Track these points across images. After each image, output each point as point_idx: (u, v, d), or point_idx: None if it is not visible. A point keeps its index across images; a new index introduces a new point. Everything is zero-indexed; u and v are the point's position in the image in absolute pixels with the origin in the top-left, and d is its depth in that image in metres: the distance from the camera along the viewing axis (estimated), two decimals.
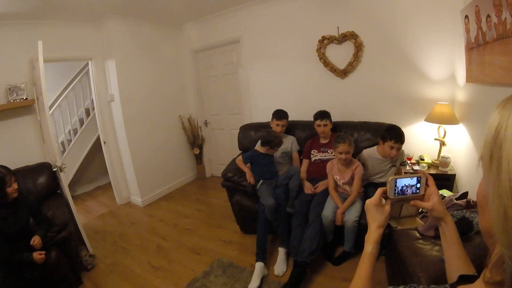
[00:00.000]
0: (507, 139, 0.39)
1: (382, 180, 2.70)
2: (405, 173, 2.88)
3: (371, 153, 2.70)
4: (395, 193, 0.85)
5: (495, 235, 0.41)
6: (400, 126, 2.93)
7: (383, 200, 0.87)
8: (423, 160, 3.04)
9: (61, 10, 3.23)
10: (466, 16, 2.22)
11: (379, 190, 0.87)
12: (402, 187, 0.85)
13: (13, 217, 2.25)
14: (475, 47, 2.15)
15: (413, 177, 0.85)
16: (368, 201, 0.88)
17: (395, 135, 2.46)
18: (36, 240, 2.23)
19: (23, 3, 2.82)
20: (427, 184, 0.86)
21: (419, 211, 0.95)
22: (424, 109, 3.06)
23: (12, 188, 2.25)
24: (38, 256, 2.16)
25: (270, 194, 2.74)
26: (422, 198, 0.86)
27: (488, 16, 1.81)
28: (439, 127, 2.91)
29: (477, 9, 1.99)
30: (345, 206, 2.49)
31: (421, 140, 3.21)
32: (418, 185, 0.85)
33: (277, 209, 2.68)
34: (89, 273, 2.80)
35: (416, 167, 2.94)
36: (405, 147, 3.12)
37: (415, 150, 3.20)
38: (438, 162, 2.92)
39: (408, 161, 3.06)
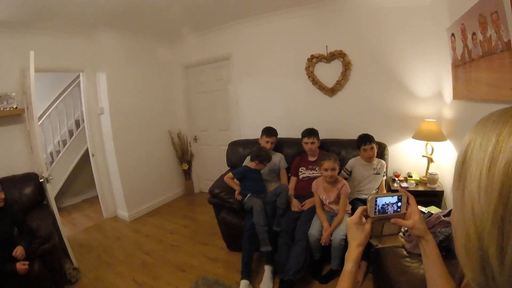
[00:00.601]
0: (472, 161, 0.40)
1: (367, 194, 2.75)
2: (392, 190, 2.91)
3: (356, 160, 2.93)
4: (375, 212, 0.85)
5: (459, 258, 0.41)
6: (387, 144, 3.02)
7: (364, 219, 0.87)
8: (411, 177, 3.06)
9: (53, 20, 3.24)
10: (453, 34, 2.28)
11: (360, 209, 0.87)
12: (383, 205, 0.85)
13: None
14: (461, 65, 2.21)
15: (394, 195, 0.86)
16: (348, 220, 0.88)
17: (363, 139, 2.81)
18: (18, 250, 2.18)
19: (15, 11, 2.83)
20: (408, 203, 0.86)
21: (401, 229, 0.95)
22: (411, 126, 3.11)
23: None
24: (21, 266, 2.12)
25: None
26: (403, 216, 0.86)
27: (474, 33, 1.86)
28: (426, 144, 2.95)
29: (463, 27, 2.04)
30: (333, 227, 2.47)
31: (409, 157, 3.25)
32: (399, 204, 0.86)
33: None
34: (72, 286, 2.74)
35: (404, 184, 2.95)
36: (393, 164, 3.19)
37: (403, 167, 3.23)
38: (426, 179, 2.94)
39: (396, 178, 3.08)
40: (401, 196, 0.85)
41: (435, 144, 2.91)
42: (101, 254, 3.34)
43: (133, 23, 3.76)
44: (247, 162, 3.12)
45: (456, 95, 2.49)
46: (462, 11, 1.99)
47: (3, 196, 2.28)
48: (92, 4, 2.99)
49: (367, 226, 0.86)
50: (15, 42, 3.22)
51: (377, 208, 0.85)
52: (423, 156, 2.99)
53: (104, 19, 3.50)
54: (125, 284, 2.75)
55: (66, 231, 3.80)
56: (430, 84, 3.03)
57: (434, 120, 2.88)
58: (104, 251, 3.39)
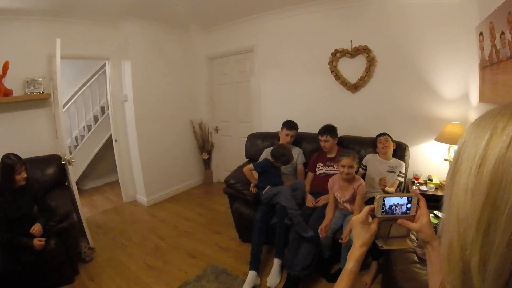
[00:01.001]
0: (464, 159, 0.38)
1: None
2: (406, 191, 2.84)
3: (372, 156, 2.93)
4: (382, 212, 0.82)
5: (441, 269, 0.39)
6: (409, 145, 2.95)
7: (370, 218, 0.84)
8: (431, 180, 2.95)
9: (80, 9, 3.35)
10: (481, 33, 2.18)
11: (367, 208, 0.84)
12: (391, 205, 0.82)
13: (18, 203, 2.36)
14: (489, 66, 2.11)
15: (403, 196, 0.82)
16: (354, 218, 0.85)
17: (378, 134, 2.90)
18: (36, 227, 2.31)
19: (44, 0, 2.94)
20: (418, 205, 0.82)
21: (412, 233, 0.91)
22: (435, 128, 2.99)
23: (21, 176, 2.39)
24: (38, 242, 2.25)
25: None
26: (412, 219, 0.82)
27: (502, 32, 1.77)
28: (449, 147, 2.82)
29: (491, 26, 1.95)
30: (348, 230, 2.36)
31: (430, 160, 3.13)
32: (409, 205, 0.82)
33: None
34: (86, 265, 2.86)
35: (423, 188, 2.85)
36: (414, 166, 3.09)
37: (424, 170, 3.12)
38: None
39: (416, 181, 2.98)
40: (411, 197, 0.81)
41: None
42: (117, 235, 3.46)
43: (159, 13, 3.82)
44: (267, 155, 3.08)
45: (482, 98, 2.37)
46: (492, 8, 1.90)
47: (25, 175, 2.42)
48: None
49: (373, 226, 0.82)
50: (43, 29, 3.35)
51: (384, 208, 0.82)
52: (445, 159, 2.87)
53: (130, 9, 3.57)
54: (137, 266, 2.83)
55: (86, 212, 4.00)
56: (457, 85, 2.90)
57: (459, 123, 2.75)
58: (120, 233, 3.51)
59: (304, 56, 3.80)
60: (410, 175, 3.09)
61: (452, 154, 2.82)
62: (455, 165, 0.39)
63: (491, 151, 0.33)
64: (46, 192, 2.81)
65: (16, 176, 2.35)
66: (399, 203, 0.82)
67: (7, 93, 3.01)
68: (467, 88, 2.82)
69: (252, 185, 3.00)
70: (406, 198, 0.82)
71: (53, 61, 3.00)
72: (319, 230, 2.40)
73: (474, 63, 2.46)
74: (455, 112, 2.93)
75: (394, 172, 2.75)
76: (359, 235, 0.83)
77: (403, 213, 0.82)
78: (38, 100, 3.30)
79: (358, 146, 3.13)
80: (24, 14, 3.15)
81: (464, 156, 0.37)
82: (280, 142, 3.26)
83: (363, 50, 3.27)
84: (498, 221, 0.31)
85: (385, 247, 0.88)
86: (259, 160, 3.19)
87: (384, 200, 0.82)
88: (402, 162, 2.80)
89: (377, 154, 2.88)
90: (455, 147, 2.75)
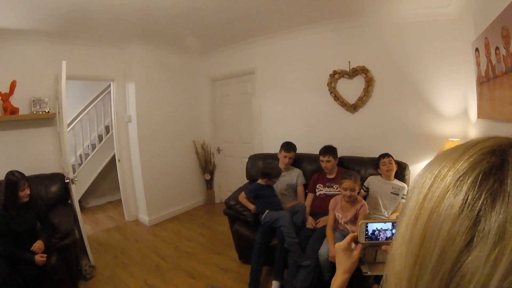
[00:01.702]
0: (407, 207, 0.36)
1: (384, 216, 2.68)
2: None
3: (374, 177, 2.89)
4: (366, 237, 0.83)
5: None
6: (409, 164, 2.94)
7: (353, 245, 0.85)
8: None
9: (86, 32, 3.48)
10: (477, 49, 2.21)
11: (350, 235, 0.85)
12: (373, 231, 0.83)
13: (21, 218, 2.41)
14: (486, 81, 2.12)
15: (387, 221, 0.83)
16: (337, 245, 0.86)
17: (381, 155, 2.85)
18: (37, 245, 2.34)
19: (51, 22, 3.05)
20: None
21: None
22: (434, 146, 3.00)
23: (24, 193, 2.44)
24: (39, 258, 2.29)
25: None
26: None
27: (497, 48, 1.79)
28: None
29: (486, 41, 1.97)
30: None
31: None
32: (394, 231, 0.82)
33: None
34: (86, 282, 2.87)
35: None
36: None
37: None
38: None
39: None
40: (395, 222, 0.81)
41: None
42: (118, 254, 3.46)
43: (162, 36, 3.95)
44: (259, 179, 3.12)
45: (480, 114, 2.39)
46: (486, 24, 1.93)
47: (28, 192, 2.47)
48: (122, 20, 3.19)
49: (355, 253, 0.82)
50: (50, 50, 3.48)
51: (368, 234, 0.83)
52: None
53: (134, 32, 3.69)
54: (137, 284, 2.83)
55: (88, 229, 4.02)
56: (456, 102, 2.92)
57: (459, 140, 2.75)
58: (121, 252, 3.51)
59: (304, 77, 3.87)
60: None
61: None
62: (402, 210, 0.38)
63: (428, 202, 0.32)
64: (49, 209, 2.84)
65: (19, 193, 2.40)
66: (383, 228, 0.82)
67: (14, 111, 3.11)
68: (466, 104, 2.84)
69: (252, 210, 2.98)
70: (390, 223, 0.82)
71: (59, 81, 3.10)
72: (330, 258, 2.36)
73: (472, 79, 2.49)
74: (454, 129, 2.94)
75: (398, 194, 2.72)
76: (341, 262, 0.83)
77: (388, 238, 0.82)
78: (44, 119, 3.40)
79: (358, 166, 3.14)
80: (32, 35, 3.28)
81: (409, 204, 0.36)
82: (279, 164, 3.29)
83: (361, 71, 3.33)
84: (423, 281, 0.30)
85: (369, 273, 0.88)
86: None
87: (367, 226, 0.82)
88: (405, 184, 2.78)
89: (379, 176, 2.86)
90: None
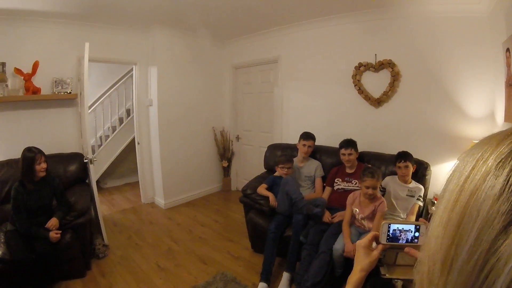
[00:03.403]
0: (446, 190, 0.36)
1: (400, 217, 2.62)
2: (428, 214, 2.73)
3: (392, 178, 2.79)
4: (388, 239, 0.80)
5: None
6: (431, 164, 2.82)
7: (375, 244, 0.82)
8: None
9: (110, 15, 3.48)
10: (508, 49, 2.10)
11: (372, 233, 0.83)
12: (394, 231, 0.80)
13: (37, 194, 2.47)
14: None
15: (411, 223, 0.80)
16: (358, 242, 0.83)
17: (398, 156, 2.70)
18: (52, 222, 2.40)
19: (76, 5, 3.07)
20: None
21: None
22: (458, 147, 2.88)
23: (41, 167, 2.48)
24: (54, 234, 2.34)
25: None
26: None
27: None
28: None
29: None
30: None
31: None
32: (417, 234, 0.79)
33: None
34: (99, 261, 2.93)
35: None
36: (435, 185, 2.97)
37: None
38: None
39: (435, 201, 2.86)
40: (419, 226, 0.79)
41: None
42: (132, 235, 3.52)
43: (187, 21, 3.92)
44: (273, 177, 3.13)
45: (507, 117, 2.27)
46: None
47: (45, 166, 2.51)
48: (147, 3, 3.17)
49: (375, 253, 0.80)
50: (73, 32, 3.52)
51: (389, 235, 0.80)
52: None
53: (159, 17, 3.69)
54: (148, 266, 2.87)
55: (104, 209, 4.12)
56: (483, 103, 2.78)
57: None
58: (135, 233, 3.57)
59: (328, 68, 3.78)
60: (430, 195, 2.97)
61: None
62: (441, 193, 0.37)
63: (469, 184, 0.31)
64: (66, 188, 2.89)
65: (36, 166, 2.44)
66: (404, 229, 0.79)
67: (36, 91, 3.17)
68: (493, 106, 2.70)
69: (271, 199, 2.94)
70: (413, 226, 0.79)
71: (81, 63, 3.13)
72: (345, 253, 2.32)
73: (501, 81, 2.36)
74: (479, 131, 2.80)
75: (413, 196, 2.63)
76: (359, 260, 0.81)
77: (409, 241, 0.79)
78: (65, 99, 3.45)
79: (378, 163, 3.05)
80: (56, 17, 3.31)
81: (449, 187, 0.35)
82: (299, 154, 3.26)
83: (387, 64, 3.21)
84: (458, 261, 0.29)
85: (388, 276, 0.84)
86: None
87: (389, 227, 0.80)
88: (421, 186, 2.68)
89: (396, 176, 2.77)
90: None
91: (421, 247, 0.38)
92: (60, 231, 2.39)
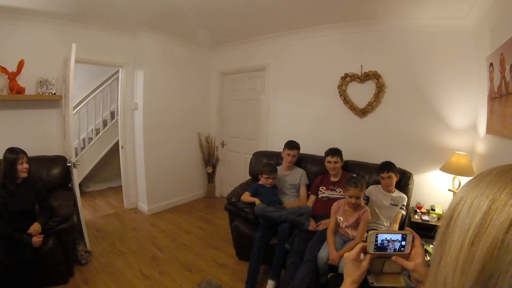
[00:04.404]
0: (457, 226, 0.36)
1: (384, 225, 2.68)
2: (412, 222, 2.80)
3: (375, 187, 2.85)
4: (375, 248, 0.82)
5: None
6: (413, 173, 2.91)
7: (362, 256, 0.84)
8: (434, 210, 2.93)
9: (98, 16, 3.43)
10: (491, 64, 2.19)
11: (359, 245, 0.84)
12: (382, 240, 0.82)
13: (20, 197, 2.40)
14: (498, 97, 2.10)
15: (397, 233, 0.82)
16: (346, 255, 0.85)
17: (381, 166, 2.77)
18: (34, 227, 2.34)
19: (65, 5, 3.03)
20: (413, 243, 0.81)
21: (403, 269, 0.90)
22: (440, 158, 2.98)
23: (23, 167, 2.42)
24: (36, 239, 2.29)
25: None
26: (407, 257, 0.81)
27: None
28: (454, 177, 2.79)
29: (502, 57, 1.95)
30: (343, 251, 2.39)
31: (434, 189, 3.10)
32: (403, 243, 0.81)
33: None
34: (82, 267, 2.87)
35: (425, 217, 2.83)
36: (417, 195, 3.07)
37: (427, 199, 3.10)
38: None
39: (418, 210, 2.95)
40: (406, 235, 0.81)
41: (463, 179, 2.75)
42: (115, 241, 3.45)
43: (175, 27, 3.92)
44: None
45: (489, 130, 2.37)
46: (503, 40, 1.91)
47: (27, 166, 2.45)
48: (137, 6, 3.15)
49: (364, 264, 0.82)
50: (60, 32, 3.45)
51: (377, 244, 0.82)
52: (449, 190, 2.85)
53: (147, 20, 3.66)
54: (132, 273, 2.82)
55: (86, 214, 4.03)
56: (466, 115, 2.90)
57: (466, 153, 2.73)
58: (118, 239, 3.51)
59: (314, 78, 3.84)
60: (413, 204, 3.06)
61: (456, 184, 2.80)
62: (446, 228, 0.38)
63: (488, 230, 0.31)
64: (49, 192, 2.83)
65: (18, 166, 2.38)
66: (392, 239, 0.81)
67: (20, 90, 3.09)
68: (476, 118, 2.81)
69: (256, 203, 2.95)
70: (400, 235, 0.81)
71: (67, 64, 3.07)
72: (330, 261, 2.35)
73: (484, 94, 2.46)
74: (462, 142, 2.92)
75: (397, 205, 2.70)
76: (349, 272, 0.82)
77: (396, 250, 0.81)
78: (50, 100, 3.38)
79: (362, 172, 3.11)
80: (43, 16, 3.24)
81: (458, 223, 0.35)
82: (283, 162, 3.31)
83: (373, 76, 3.30)
84: None
85: (376, 284, 0.86)
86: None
87: (377, 237, 0.81)
88: (404, 195, 2.75)
89: (380, 186, 2.83)
90: (460, 178, 2.74)
91: (432, 274, 0.39)
92: (43, 235, 2.34)
